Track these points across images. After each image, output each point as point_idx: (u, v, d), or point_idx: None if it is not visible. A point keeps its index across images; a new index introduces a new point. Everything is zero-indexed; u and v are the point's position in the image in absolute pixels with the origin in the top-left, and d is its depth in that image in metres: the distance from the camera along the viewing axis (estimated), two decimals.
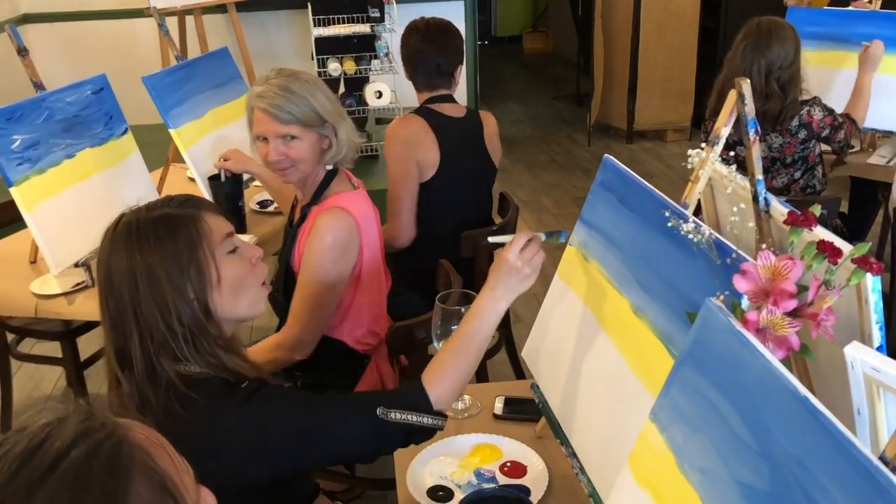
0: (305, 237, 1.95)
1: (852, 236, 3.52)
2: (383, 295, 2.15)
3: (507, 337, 2.71)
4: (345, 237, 1.92)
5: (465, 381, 1.41)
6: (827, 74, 3.14)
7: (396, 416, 1.31)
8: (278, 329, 2.13)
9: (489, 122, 2.71)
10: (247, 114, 1.98)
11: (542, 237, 1.44)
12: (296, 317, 1.93)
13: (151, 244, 1.24)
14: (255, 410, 1.26)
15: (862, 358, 0.88)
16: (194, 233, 1.27)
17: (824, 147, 2.94)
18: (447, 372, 1.38)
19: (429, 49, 2.56)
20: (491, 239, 1.50)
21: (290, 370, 2.07)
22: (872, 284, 1.00)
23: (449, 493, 1.47)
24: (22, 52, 2.33)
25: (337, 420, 1.31)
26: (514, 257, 1.36)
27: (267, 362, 1.92)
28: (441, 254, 2.29)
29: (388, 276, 2.21)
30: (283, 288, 2.03)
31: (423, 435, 1.37)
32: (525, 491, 1.46)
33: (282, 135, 1.90)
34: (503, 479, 1.50)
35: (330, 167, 1.99)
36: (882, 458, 0.73)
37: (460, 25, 6.05)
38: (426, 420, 1.34)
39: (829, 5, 3.64)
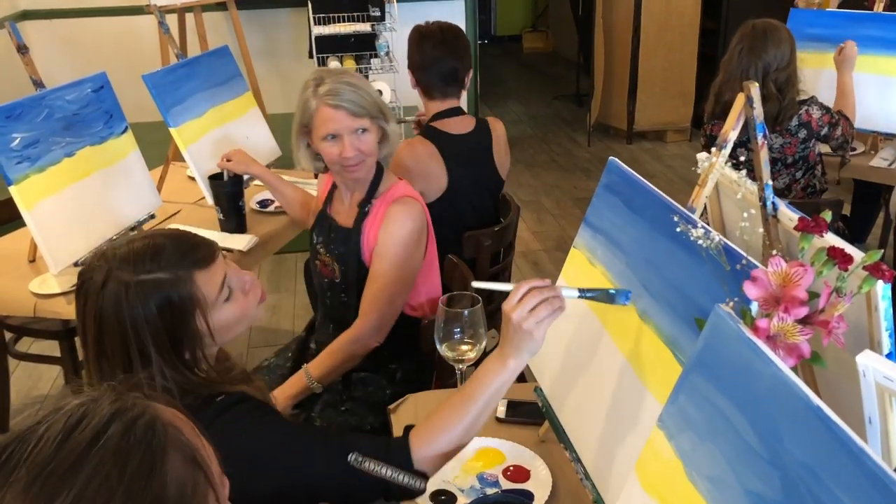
0: (375, 231, 1.99)
1: (854, 239, 3.52)
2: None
3: None
4: (420, 224, 2.00)
5: (457, 444, 1.30)
6: (829, 76, 3.13)
7: (370, 465, 1.21)
8: (310, 328, 2.24)
9: (497, 128, 2.64)
10: (301, 118, 1.96)
11: (572, 294, 1.26)
12: (374, 305, 1.97)
13: (141, 314, 1.19)
14: (224, 425, 1.22)
15: (874, 366, 0.87)
16: (188, 301, 1.22)
17: (825, 149, 2.94)
18: (437, 431, 1.29)
19: (445, 54, 2.49)
20: (474, 284, 1.39)
21: (386, 364, 2.09)
22: (883, 292, 0.99)
23: (451, 498, 1.46)
24: (22, 49, 2.32)
25: (304, 454, 1.25)
26: (509, 309, 1.23)
27: (346, 360, 1.97)
28: (442, 258, 2.28)
29: None
30: (356, 288, 2.04)
31: (399, 492, 1.26)
32: (528, 496, 1.45)
33: (356, 129, 1.91)
34: (506, 484, 1.49)
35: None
36: None
37: (461, 24, 6.04)
38: (402, 478, 1.23)
39: (839, 7, 3.64)
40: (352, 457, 1.20)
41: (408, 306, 2.08)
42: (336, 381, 2.03)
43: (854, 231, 3.57)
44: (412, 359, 2.11)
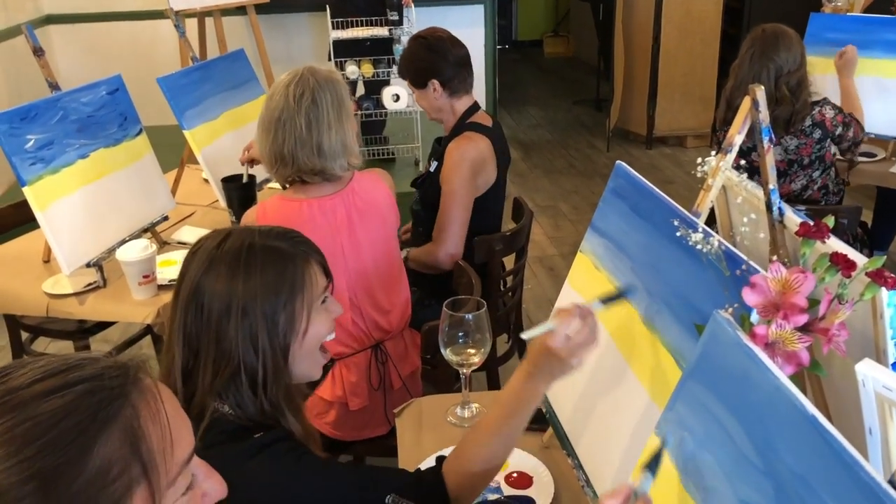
0: None
1: (874, 247, 3.47)
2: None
3: (521, 344, 2.69)
4: None
5: (493, 472, 1.28)
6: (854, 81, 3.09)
7: None
8: None
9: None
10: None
11: (598, 306, 1.29)
12: None
13: (258, 274, 1.21)
14: (262, 465, 1.18)
15: (874, 376, 0.85)
16: (299, 278, 1.24)
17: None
18: (471, 463, 1.25)
19: (461, 47, 2.52)
20: (525, 336, 1.29)
21: None
22: (888, 299, 0.97)
23: None
24: (38, 52, 2.34)
25: (343, 498, 1.21)
26: (560, 346, 1.22)
27: None
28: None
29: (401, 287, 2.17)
30: None
31: None
32: (530, 502, 1.44)
33: None
34: (508, 490, 1.48)
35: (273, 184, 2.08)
36: (891, 482, 0.70)
37: (480, 29, 6.04)
38: None
39: (864, 13, 3.60)
40: (389, 499, 1.18)
41: None
42: None
43: (875, 239, 3.53)
44: None
